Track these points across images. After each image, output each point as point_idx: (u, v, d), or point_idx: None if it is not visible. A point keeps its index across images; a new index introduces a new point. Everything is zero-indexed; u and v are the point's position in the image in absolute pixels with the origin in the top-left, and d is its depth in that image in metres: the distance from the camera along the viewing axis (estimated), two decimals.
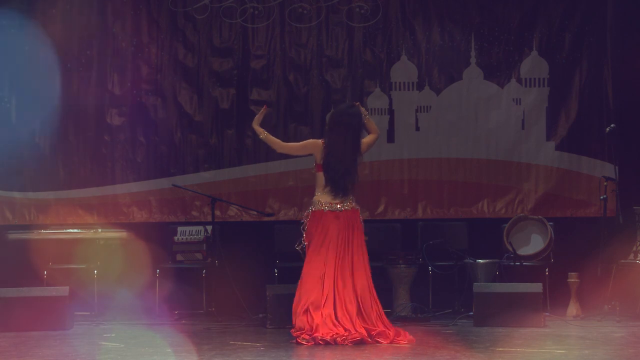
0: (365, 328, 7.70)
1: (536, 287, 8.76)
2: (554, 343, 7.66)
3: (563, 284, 9.41)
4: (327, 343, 7.58)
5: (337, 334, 7.62)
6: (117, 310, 9.52)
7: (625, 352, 7.19)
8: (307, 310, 7.77)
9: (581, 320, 9.07)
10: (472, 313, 8.92)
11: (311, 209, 8.00)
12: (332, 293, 7.80)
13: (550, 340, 7.83)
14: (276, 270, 9.93)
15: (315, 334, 7.64)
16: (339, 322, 7.70)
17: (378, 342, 7.65)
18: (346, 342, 7.57)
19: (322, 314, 7.72)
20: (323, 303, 7.76)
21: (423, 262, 9.66)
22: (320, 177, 8.00)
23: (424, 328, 8.64)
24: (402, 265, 9.52)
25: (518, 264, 9.59)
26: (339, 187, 7.94)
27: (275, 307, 8.73)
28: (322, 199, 7.97)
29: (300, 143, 8.27)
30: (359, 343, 7.58)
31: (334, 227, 7.93)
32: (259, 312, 9.27)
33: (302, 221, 8.06)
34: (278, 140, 8.19)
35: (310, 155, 8.16)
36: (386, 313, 8.11)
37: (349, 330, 7.65)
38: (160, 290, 9.66)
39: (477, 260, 9.53)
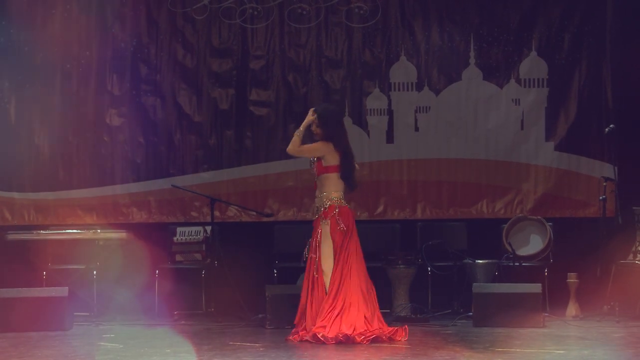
0: (367, 329, 7.71)
1: (535, 288, 8.76)
2: (553, 343, 7.66)
3: (562, 285, 9.42)
4: (326, 341, 7.59)
5: (344, 333, 7.62)
6: (117, 310, 9.52)
7: (625, 353, 7.19)
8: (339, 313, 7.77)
9: (580, 320, 9.07)
10: (471, 313, 8.92)
11: (339, 205, 8.00)
12: (357, 294, 7.84)
13: (549, 340, 7.83)
14: (275, 271, 9.94)
15: (318, 332, 7.66)
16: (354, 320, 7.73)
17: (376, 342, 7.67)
18: (363, 340, 7.58)
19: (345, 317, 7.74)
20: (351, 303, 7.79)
21: (422, 262, 9.66)
22: (335, 177, 8.04)
23: (423, 328, 8.64)
24: (401, 266, 9.53)
25: (517, 264, 9.58)
26: (354, 183, 8.10)
27: (274, 307, 8.73)
28: (343, 197, 8.07)
29: (312, 146, 8.18)
30: (375, 342, 7.61)
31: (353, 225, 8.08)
32: (258, 313, 9.27)
33: (337, 219, 7.99)
34: (299, 142, 8.12)
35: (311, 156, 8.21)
36: (385, 313, 8.15)
37: (364, 329, 7.68)
38: (160, 290, 9.66)
39: (477, 261, 9.53)
